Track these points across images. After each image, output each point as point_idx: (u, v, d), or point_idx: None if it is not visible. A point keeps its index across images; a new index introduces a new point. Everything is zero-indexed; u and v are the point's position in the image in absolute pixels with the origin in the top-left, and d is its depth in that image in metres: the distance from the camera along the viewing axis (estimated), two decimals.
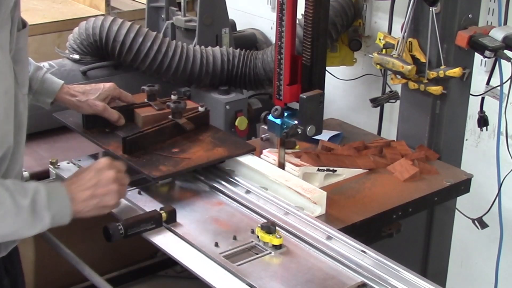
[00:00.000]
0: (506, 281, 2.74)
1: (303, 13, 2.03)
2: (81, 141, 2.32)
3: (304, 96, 2.01)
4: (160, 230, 1.84)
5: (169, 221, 1.86)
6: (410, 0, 2.29)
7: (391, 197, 2.13)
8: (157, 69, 2.84)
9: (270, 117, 2.12)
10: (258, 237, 1.79)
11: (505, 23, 2.44)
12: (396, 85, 2.50)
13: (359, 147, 2.35)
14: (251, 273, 1.68)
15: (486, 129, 2.60)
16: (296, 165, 2.13)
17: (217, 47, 2.96)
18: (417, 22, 2.31)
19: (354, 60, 3.16)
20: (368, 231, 2.00)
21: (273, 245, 1.77)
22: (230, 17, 3.14)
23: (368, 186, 2.18)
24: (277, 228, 1.79)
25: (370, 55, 2.65)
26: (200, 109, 2.28)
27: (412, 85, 2.36)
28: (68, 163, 2.19)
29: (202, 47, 2.92)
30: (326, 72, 2.21)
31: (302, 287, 1.65)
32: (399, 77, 2.37)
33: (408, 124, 2.48)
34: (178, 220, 1.87)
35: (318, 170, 2.15)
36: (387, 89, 2.75)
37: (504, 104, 2.42)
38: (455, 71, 2.26)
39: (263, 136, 2.31)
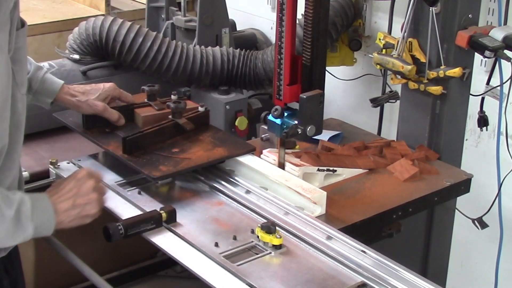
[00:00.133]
0: (506, 281, 2.74)
1: (303, 13, 2.03)
2: (81, 141, 2.32)
3: (304, 96, 2.01)
4: (160, 230, 1.84)
5: (169, 221, 1.85)
6: (410, 0, 2.29)
7: (391, 197, 2.13)
8: (157, 69, 2.84)
9: (270, 117, 2.12)
10: (258, 237, 1.79)
11: (505, 23, 2.44)
12: (396, 85, 2.50)
13: (359, 147, 2.35)
14: (251, 273, 1.68)
15: (486, 129, 2.60)
16: (296, 165, 2.13)
17: (217, 47, 2.96)
18: (417, 22, 2.31)
19: (354, 60, 3.15)
20: (368, 231, 2.00)
21: (273, 245, 1.77)
22: (230, 17, 3.14)
23: (368, 186, 2.18)
24: (277, 228, 1.79)
25: (370, 55, 2.65)
26: (200, 109, 2.28)
27: (412, 85, 2.36)
28: (68, 163, 2.19)
29: (202, 47, 2.92)
30: (326, 72, 2.21)
31: (302, 287, 1.65)
32: (399, 77, 2.37)
33: (408, 124, 2.48)
34: (178, 220, 1.87)
35: (318, 170, 2.15)
36: (387, 89, 2.75)
37: (504, 104, 2.42)
38: (455, 71, 2.26)
39: (263, 136, 2.31)
